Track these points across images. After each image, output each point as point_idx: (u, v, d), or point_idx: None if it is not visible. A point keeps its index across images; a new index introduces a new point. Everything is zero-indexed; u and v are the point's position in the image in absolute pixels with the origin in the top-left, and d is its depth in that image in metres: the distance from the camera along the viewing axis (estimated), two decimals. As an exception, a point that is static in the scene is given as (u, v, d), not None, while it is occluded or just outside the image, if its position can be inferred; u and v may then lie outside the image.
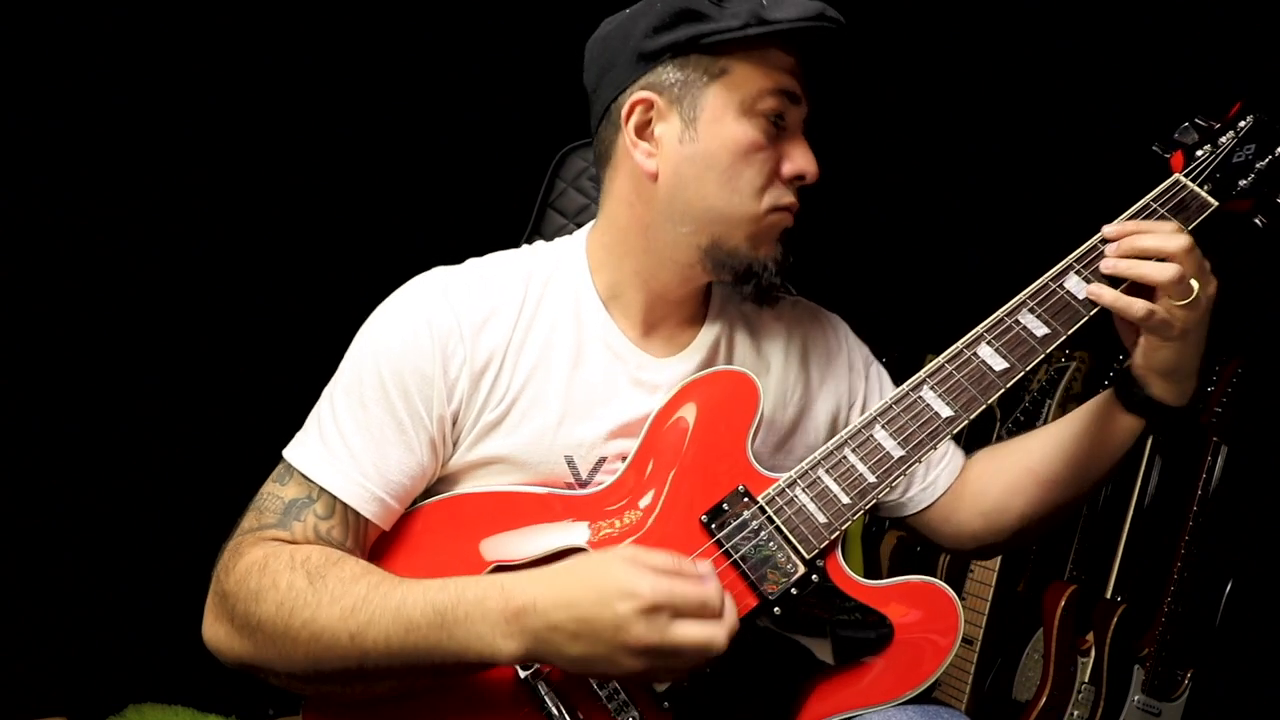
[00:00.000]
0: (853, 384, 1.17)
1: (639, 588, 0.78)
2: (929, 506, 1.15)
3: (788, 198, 1.01)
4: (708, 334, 1.09)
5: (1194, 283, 0.92)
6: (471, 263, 1.07)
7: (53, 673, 1.80)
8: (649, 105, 0.99)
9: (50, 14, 1.68)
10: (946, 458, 1.16)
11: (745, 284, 1.02)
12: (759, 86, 0.97)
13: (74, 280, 1.78)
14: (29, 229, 1.73)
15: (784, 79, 0.98)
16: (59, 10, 1.68)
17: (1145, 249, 0.94)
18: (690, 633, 0.79)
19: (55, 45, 1.70)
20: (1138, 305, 0.93)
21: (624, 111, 1.00)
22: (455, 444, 1.00)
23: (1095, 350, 2.17)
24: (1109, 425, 1.04)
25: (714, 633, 0.79)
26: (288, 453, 0.98)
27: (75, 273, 1.78)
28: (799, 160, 1.00)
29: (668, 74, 0.98)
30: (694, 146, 0.98)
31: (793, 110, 1.00)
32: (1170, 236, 0.94)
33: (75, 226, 1.77)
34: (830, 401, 1.15)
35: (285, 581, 0.86)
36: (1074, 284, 0.98)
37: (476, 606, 0.82)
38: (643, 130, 1.00)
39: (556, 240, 1.12)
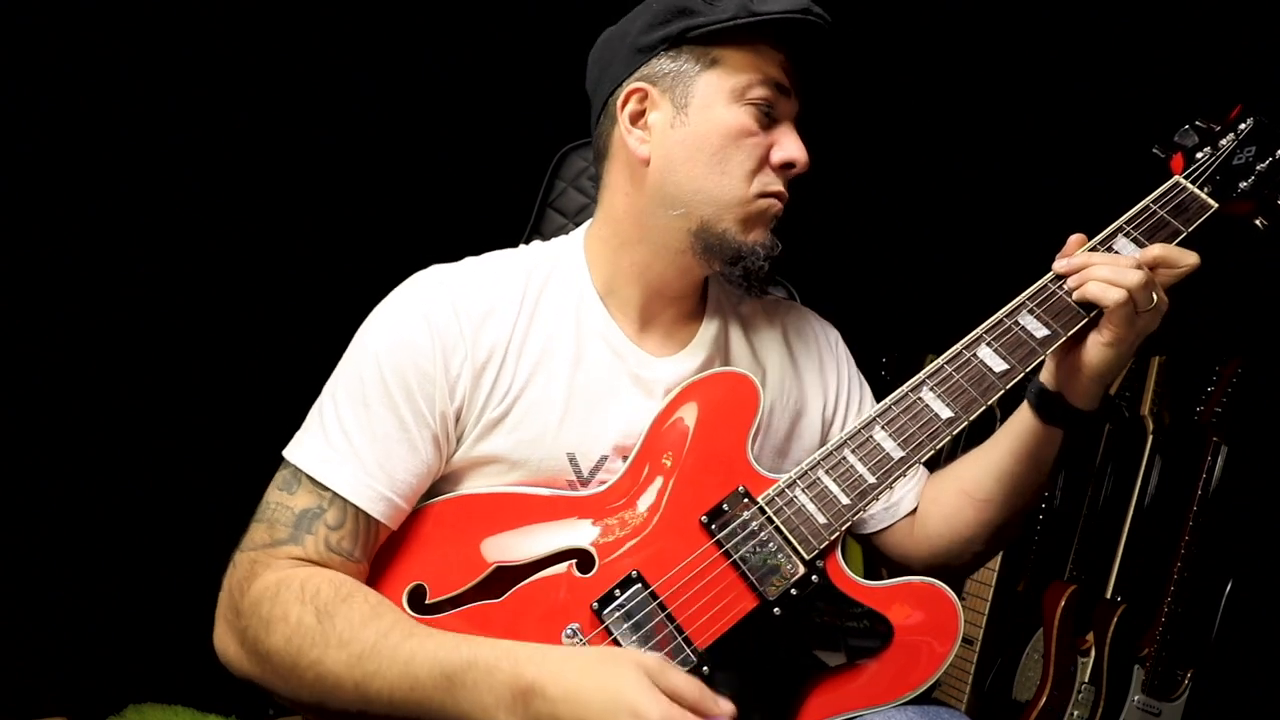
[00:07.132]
0: (839, 389, 1.18)
1: (649, 713, 0.76)
2: (888, 527, 1.15)
3: (777, 185, 1.02)
4: (705, 332, 1.09)
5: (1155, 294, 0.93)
6: (469, 261, 1.07)
7: (53, 673, 1.80)
8: (643, 95, 1.02)
9: (50, 14, 1.68)
10: (912, 480, 1.15)
11: (733, 267, 1.02)
12: (749, 76, 1.00)
13: (74, 280, 1.78)
14: (29, 229, 1.73)
15: (773, 70, 1.01)
16: (59, 10, 1.68)
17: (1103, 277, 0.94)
18: None
19: (55, 45, 1.70)
20: (1114, 291, 0.92)
21: (619, 102, 1.03)
22: (459, 440, 1.00)
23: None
24: (1031, 439, 1.05)
25: None
26: (291, 455, 0.96)
27: (75, 272, 1.78)
28: (789, 148, 1.02)
29: (661, 65, 1.02)
30: (685, 130, 1.00)
31: (783, 102, 1.02)
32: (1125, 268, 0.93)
33: (75, 226, 1.77)
34: (819, 403, 1.15)
35: (295, 616, 0.86)
36: (1073, 285, 0.98)
37: (486, 676, 0.81)
38: (637, 119, 1.03)
39: (554, 240, 1.12)
